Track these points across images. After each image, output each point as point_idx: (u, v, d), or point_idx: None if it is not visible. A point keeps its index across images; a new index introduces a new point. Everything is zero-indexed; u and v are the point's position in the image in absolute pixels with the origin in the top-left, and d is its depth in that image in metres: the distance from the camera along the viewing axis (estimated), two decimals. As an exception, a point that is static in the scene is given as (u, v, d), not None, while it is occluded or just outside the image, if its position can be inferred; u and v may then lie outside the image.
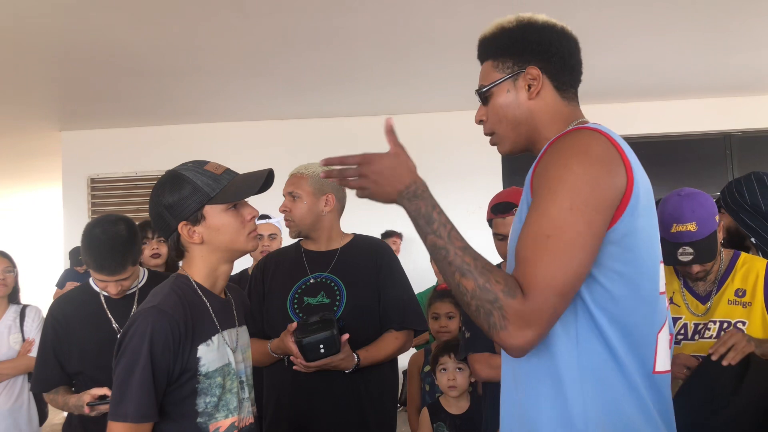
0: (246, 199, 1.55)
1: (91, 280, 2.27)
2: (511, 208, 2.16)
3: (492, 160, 6.02)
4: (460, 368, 2.64)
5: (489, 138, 1.38)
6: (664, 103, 6.15)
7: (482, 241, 4.46)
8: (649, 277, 1.21)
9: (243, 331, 1.66)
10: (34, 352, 3.08)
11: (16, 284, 3.26)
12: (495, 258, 2.38)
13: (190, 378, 1.45)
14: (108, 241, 2.06)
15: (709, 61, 5.10)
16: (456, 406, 2.63)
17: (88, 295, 2.26)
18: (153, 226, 1.60)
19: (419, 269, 4.11)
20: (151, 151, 6.29)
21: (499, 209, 2.20)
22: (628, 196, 1.14)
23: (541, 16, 1.32)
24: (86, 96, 5.42)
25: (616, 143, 1.18)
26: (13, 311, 3.22)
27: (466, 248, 1.16)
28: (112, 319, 2.20)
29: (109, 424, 1.41)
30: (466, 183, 5.94)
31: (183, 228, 1.48)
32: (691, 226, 1.83)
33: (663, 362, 1.25)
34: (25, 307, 3.27)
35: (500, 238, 2.20)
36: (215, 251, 1.52)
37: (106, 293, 2.20)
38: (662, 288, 1.26)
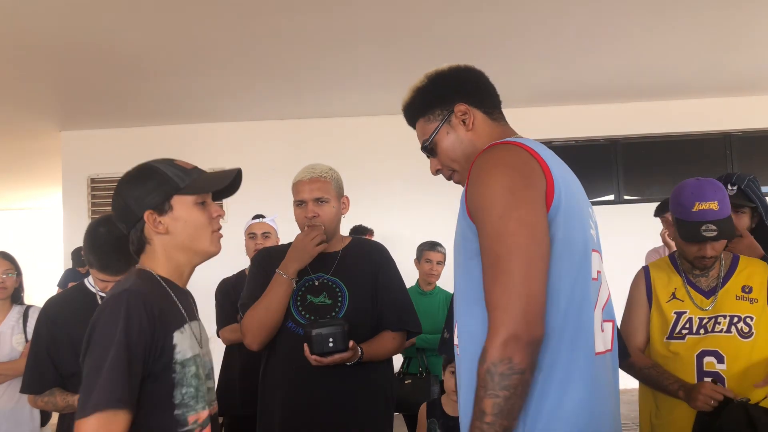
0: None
1: (86, 280, 2.25)
2: None
3: (492, 160, 6.02)
4: None
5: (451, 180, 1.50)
6: (664, 103, 6.15)
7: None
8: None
9: (202, 325, 1.61)
10: None
11: (20, 285, 3.23)
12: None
13: (165, 367, 1.39)
14: (113, 240, 2.03)
15: (709, 61, 5.10)
16: (453, 407, 2.63)
17: (84, 295, 2.23)
18: (115, 219, 1.53)
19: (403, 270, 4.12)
20: (151, 151, 6.20)
21: None
22: (551, 196, 1.24)
23: (446, 65, 1.49)
24: (86, 96, 5.42)
25: (531, 149, 1.28)
26: (16, 312, 3.17)
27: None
28: None
29: (76, 426, 1.26)
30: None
31: (149, 216, 1.45)
32: (714, 205, 1.92)
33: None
34: (28, 307, 3.21)
35: None
36: (178, 247, 1.48)
37: (103, 294, 2.17)
38: (594, 274, 1.32)
